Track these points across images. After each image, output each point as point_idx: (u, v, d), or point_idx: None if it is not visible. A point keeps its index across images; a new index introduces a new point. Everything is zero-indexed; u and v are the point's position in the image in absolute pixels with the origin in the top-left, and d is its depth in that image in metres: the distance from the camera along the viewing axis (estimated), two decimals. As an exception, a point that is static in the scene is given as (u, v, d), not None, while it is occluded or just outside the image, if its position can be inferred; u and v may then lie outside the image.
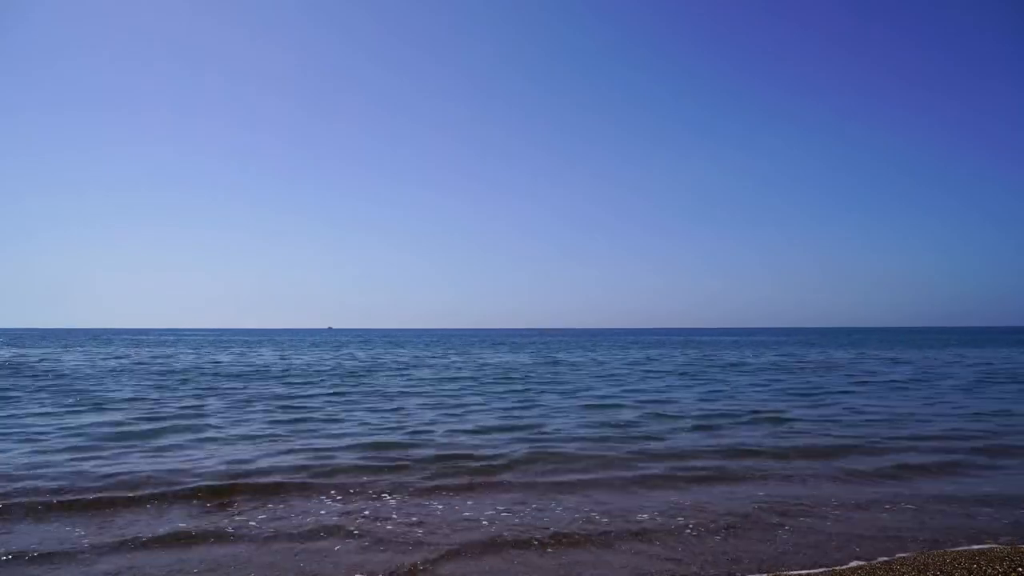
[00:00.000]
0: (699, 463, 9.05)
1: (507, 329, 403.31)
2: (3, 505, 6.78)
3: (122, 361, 33.90)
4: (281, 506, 6.93)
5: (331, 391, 18.75)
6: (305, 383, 21.79)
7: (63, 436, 10.94)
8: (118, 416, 13.42)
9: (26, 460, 8.95)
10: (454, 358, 39.34)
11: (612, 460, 9.22)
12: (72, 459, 9.08)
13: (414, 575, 5.09)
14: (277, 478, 7.96)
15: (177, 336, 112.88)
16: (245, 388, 19.77)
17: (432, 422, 12.75)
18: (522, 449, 9.91)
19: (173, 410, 14.41)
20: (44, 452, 9.56)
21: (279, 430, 11.67)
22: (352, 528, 6.18)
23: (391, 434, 11.30)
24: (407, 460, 9.08)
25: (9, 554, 5.41)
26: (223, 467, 8.57)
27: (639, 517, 6.54)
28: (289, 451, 9.71)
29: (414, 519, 6.49)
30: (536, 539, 5.88)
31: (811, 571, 5.22)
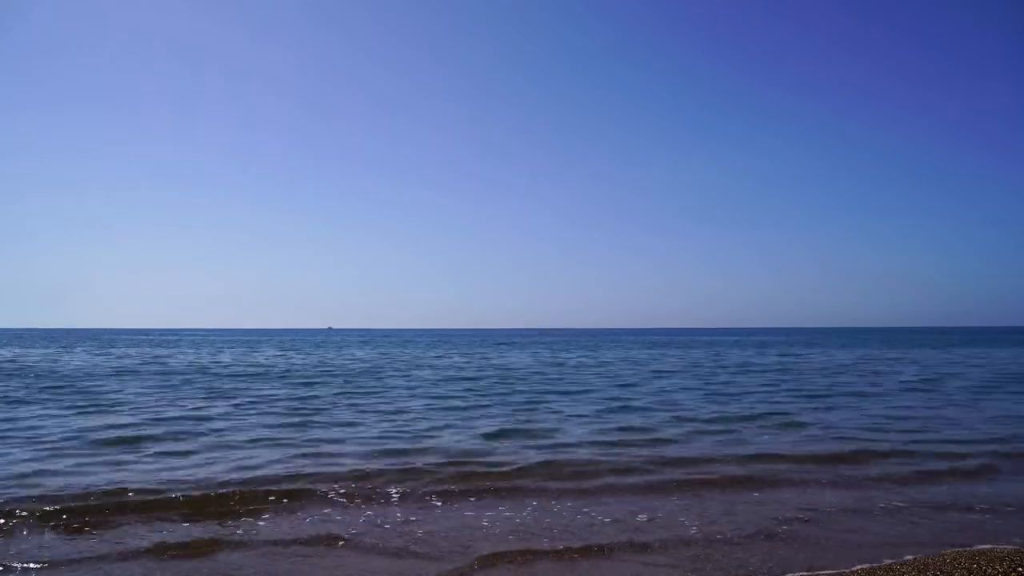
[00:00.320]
0: (715, 468, 8.85)
1: (507, 329, 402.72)
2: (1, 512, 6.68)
3: (124, 361, 33.92)
4: (290, 513, 6.84)
5: (335, 392, 18.62)
6: (308, 384, 21.77)
7: (66, 439, 10.85)
8: (122, 419, 13.35)
9: (27, 465, 8.81)
10: (457, 358, 39.34)
11: (628, 466, 8.99)
12: (75, 463, 8.96)
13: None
14: (286, 485, 7.82)
15: (178, 336, 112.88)
16: (248, 389, 19.73)
17: (440, 426, 12.54)
18: (533, 454, 9.72)
19: (178, 412, 14.34)
20: (46, 456, 9.43)
21: (285, 434, 11.50)
22: (366, 537, 6.05)
23: (399, 438, 11.06)
24: (417, 466, 8.87)
25: (7, 564, 5.32)
26: (231, 472, 8.44)
27: (657, 524, 6.45)
28: (297, 456, 9.53)
29: (430, 528, 6.35)
30: (559, 548, 5.74)
31: (812, 572, 5.25)
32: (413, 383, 22.16)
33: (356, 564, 5.42)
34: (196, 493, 7.36)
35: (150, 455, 9.64)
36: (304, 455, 9.59)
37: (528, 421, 13.25)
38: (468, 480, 8.19)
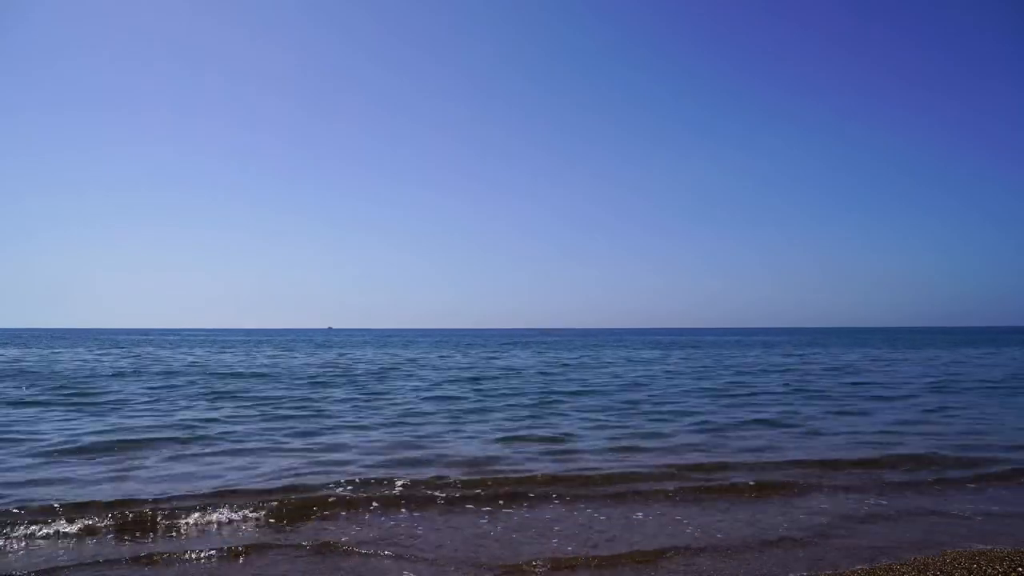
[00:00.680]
0: (739, 475, 8.61)
1: (508, 329, 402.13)
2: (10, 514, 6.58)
3: (129, 361, 33.95)
4: (309, 522, 6.72)
5: (343, 396, 18.24)
6: (313, 385, 21.73)
7: (71, 443, 10.65)
8: (128, 422, 13.30)
9: (32, 470, 8.70)
10: (460, 358, 39.35)
11: (648, 473, 8.73)
12: (82, 468, 8.78)
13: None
14: (304, 494, 7.52)
15: (180, 336, 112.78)
16: (252, 390, 19.66)
17: (452, 431, 12.27)
18: (549, 461, 9.50)
19: (185, 415, 14.22)
20: (51, 462, 9.24)
21: (293, 439, 11.20)
22: (392, 546, 5.91)
23: (411, 445, 10.70)
24: (435, 474, 8.59)
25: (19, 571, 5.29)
26: (245, 479, 8.22)
27: (676, 533, 6.33)
28: (308, 462, 9.30)
29: (454, 538, 6.17)
30: (587, 556, 5.68)
31: (812, 573, 5.29)
32: (419, 384, 22.00)
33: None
34: (213, 502, 7.09)
35: (161, 460, 9.42)
36: (319, 462, 9.33)
37: (542, 425, 12.86)
38: (490, 486, 7.93)
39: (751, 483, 8.20)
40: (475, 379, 24.31)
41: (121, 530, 6.38)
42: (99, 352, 45.31)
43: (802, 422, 13.37)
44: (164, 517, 6.69)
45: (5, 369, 27.85)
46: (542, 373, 27.21)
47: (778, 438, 11.58)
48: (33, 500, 7.16)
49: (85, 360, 35.24)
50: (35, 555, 5.74)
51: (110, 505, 6.94)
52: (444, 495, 7.62)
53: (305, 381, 23.13)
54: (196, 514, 6.79)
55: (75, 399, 16.94)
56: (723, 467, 9.12)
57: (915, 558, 5.47)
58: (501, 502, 7.43)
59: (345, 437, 11.49)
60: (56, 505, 6.87)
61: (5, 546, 5.95)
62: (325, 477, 8.36)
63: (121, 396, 17.71)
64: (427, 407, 15.72)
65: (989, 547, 5.74)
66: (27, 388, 19.61)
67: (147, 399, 17.12)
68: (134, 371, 27.34)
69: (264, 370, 28.53)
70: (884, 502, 7.47)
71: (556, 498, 7.61)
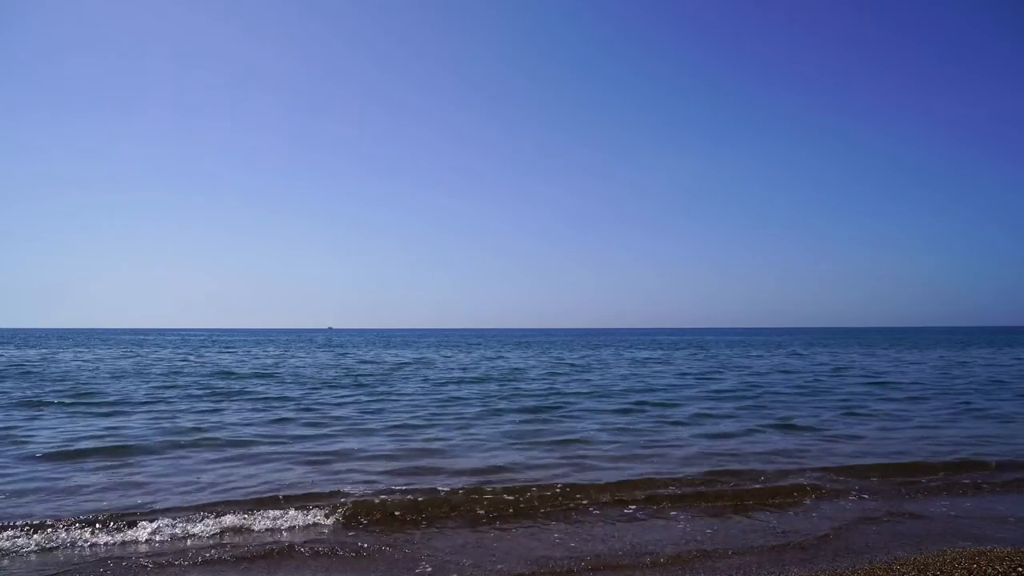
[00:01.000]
0: (758, 484, 8.32)
1: (508, 329, 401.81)
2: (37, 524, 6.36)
3: (130, 362, 33.98)
4: (328, 538, 6.29)
5: (348, 398, 17.83)
6: (316, 386, 21.66)
7: (67, 446, 10.46)
8: (128, 424, 13.18)
9: (35, 476, 8.50)
10: (463, 359, 39.33)
11: (671, 479, 8.45)
12: (77, 475, 8.53)
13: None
14: (323, 503, 7.12)
15: (180, 336, 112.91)
16: (256, 392, 19.53)
17: (466, 435, 11.89)
18: (569, 468, 9.12)
19: (186, 417, 14.02)
20: (46, 468, 9.02)
21: (310, 446, 10.74)
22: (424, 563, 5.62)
23: (430, 452, 10.22)
24: (454, 482, 8.16)
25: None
26: (262, 487, 7.96)
27: (701, 541, 6.16)
28: (330, 473, 8.84)
29: (481, 554, 5.84)
30: (624, 563, 5.59)
31: (811, 572, 5.27)
32: (427, 385, 21.66)
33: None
34: (224, 510, 6.87)
35: (170, 465, 9.23)
36: (337, 471, 8.91)
37: (563, 432, 12.31)
38: (515, 493, 7.55)
39: (778, 487, 8.01)
40: (480, 380, 24.19)
41: (117, 542, 6.06)
42: (99, 352, 45.37)
43: (824, 425, 12.97)
44: (161, 527, 6.34)
45: (4, 369, 27.86)
46: (550, 374, 26.61)
47: (803, 443, 11.06)
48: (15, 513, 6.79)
49: (85, 360, 35.29)
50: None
51: (108, 515, 6.63)
52: (479, 506, 7.22)
53: (308, 382, 23.05)
54: (199, 525, 6.43)
55: (75, 400, 16.83)
56: (738, 474, 8.71)
57: (915, 558, 5.45)
58: (543, 512, 7.11)
59: (351, 443, 11.03)
60: (47, 520, 6.49)
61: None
62: (334, 485, 7.99)
63: (121, 397, 17.63)
64: (440, 411, 15.20)
65: (989, 547, 5.71)
66: (26, 389, 19.47)
67: (148, 400, 17.04)
68: (135, 372, 27.37)
69: (266, 371, 28.51)
70: (920, 507, 7.27)
71: (584, 509, 7.28)
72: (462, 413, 14.85)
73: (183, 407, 15.67)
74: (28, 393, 18.31)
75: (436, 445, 10.86)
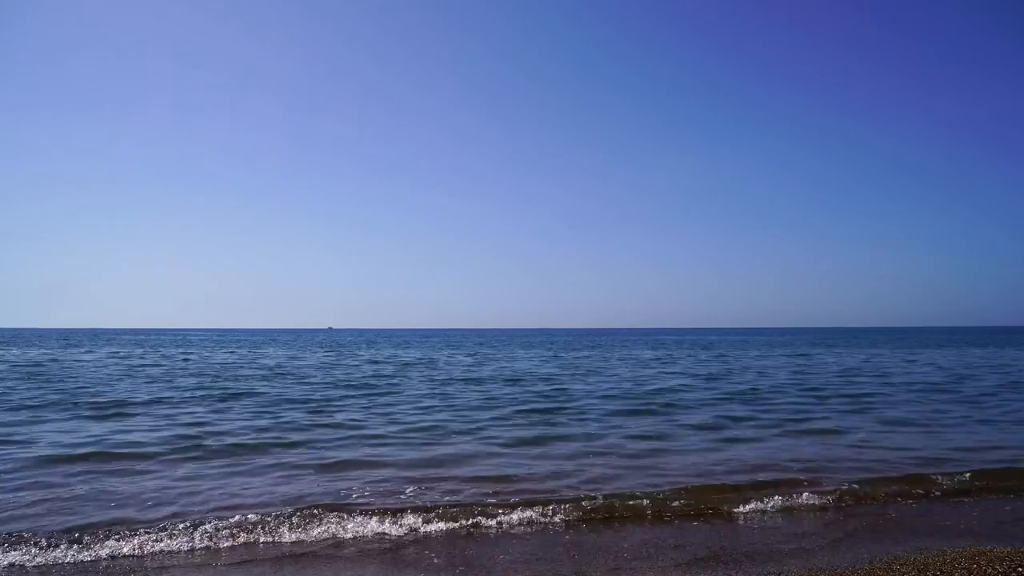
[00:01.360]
0: (780, 493, 7.88)
1: (508, 329, 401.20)
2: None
3: (131, 362, 34.01)
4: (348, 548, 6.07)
5: (356, 400, 17.51)
6: (321, 388, 21.57)
7: (67, 451, 10.18)
8: (130, 427, 13.06)
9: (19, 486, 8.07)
10: (466, 359, 39.29)
11: (713, 487, 8.11)
12: (76, 482, 8.17)
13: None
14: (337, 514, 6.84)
15: (180, 336, 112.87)
16: (260, 394, 19.24)
17: (484, 440, 11.41)
18: (613, 477, 8.76)
19: (189, 420, 13.84)
20: (43, 474, 8.74)
21: (308, 452, 10.27)
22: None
23: (438, 461, 9.64)
24: (483, 495, 7.70)
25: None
26: (254, 496, 7.68)
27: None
28: (330, 479, 8.53)
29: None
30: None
31: (812, 572, 5.27)
32: (434, 386, 21.22)
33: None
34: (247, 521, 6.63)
35: (164, 472, 8.91)
36: (358, 486, 8.34)
37: (589, 436, 11.82)
38: (550, 503, 7.17)
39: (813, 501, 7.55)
40: (485, 380, 24.11)
41: (113, 559, 5.75)
42: (99, 352, 45.44)
43: (849, 429, 12.45)
44: (158, 541, 6.06)
45: (4, 370, 27.86)
46: (558, 377, 25.84)
47: (830, 450, 10.52)
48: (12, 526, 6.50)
49: (86, 360, 35.34)
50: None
51: (107, 528, 6.37)
52: (512, 519, 6.84)
53: (312, 383, 22.93)
54: (206, 540, 6.12)
55: (76, 402, 16.69)
56: (778, 485, 8.17)
57: (915, 558, 5.45)
58: (583, 524, 6.84)
59: (374, 453, 10.37)
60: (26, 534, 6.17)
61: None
62: (371, 501, 7.53)
63: (123, 398, 17.49)
64: (451, 415, 14.51)
65: (989, 547, 5.71)
66: (25, 390, 19.32)
67: (151, 402, 16.92)
68: (136, 372, 27.39)
69: (269, 372, 28.44)
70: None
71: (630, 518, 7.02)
72: (483, 419, 14.00)
73: (185, 410, 15.60)
74: (29, 394, 18.25)
75: (466, 455, 10.16)
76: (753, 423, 13.41)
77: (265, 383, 22.39)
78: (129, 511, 7.03)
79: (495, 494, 7.77)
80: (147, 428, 12.55)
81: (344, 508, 7.08)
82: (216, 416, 14.15)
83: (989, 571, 5.06)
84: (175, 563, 5.67)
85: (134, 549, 5.90)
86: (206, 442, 11.00)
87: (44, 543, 5.93)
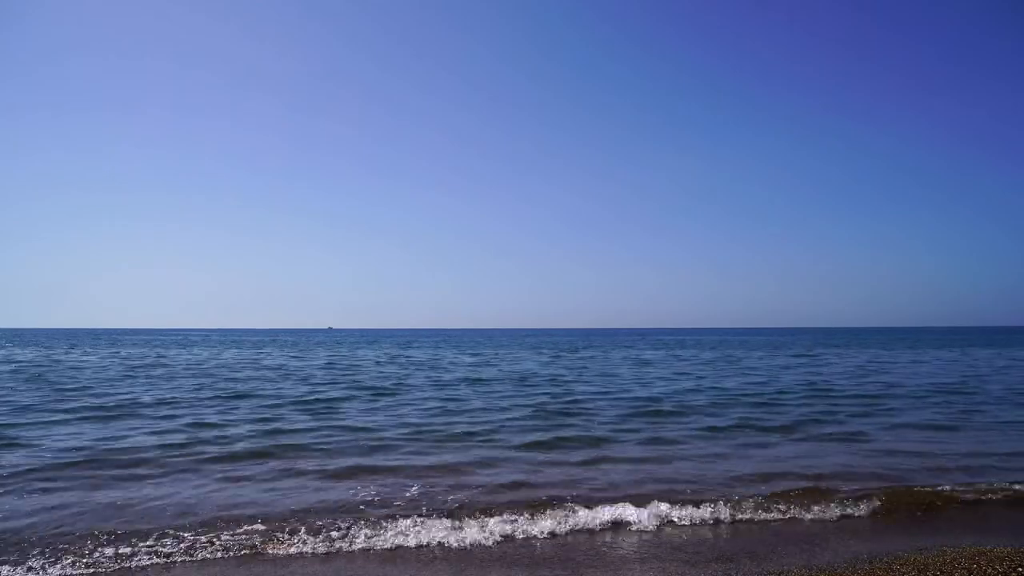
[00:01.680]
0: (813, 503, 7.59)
1: (508, 329, 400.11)
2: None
3: (131, 363, 34.00)
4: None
5: (362, 400, 17.27)
6: (325, 389, 21.49)
7: (69, 456, 10.05)
8: (134, 430, 13.04)
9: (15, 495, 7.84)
10: (469, 359, 39.25)
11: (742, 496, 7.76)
12: (77, 491, 7.86)
13: None
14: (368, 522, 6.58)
15: (182, 335, 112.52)
16: (264, 396, 19.13)
17: (497, 445, 11.07)
18: (619, 477, 8.67)
19: (193, 422, 13.77)
20: (41, 483, 8.66)
21: (348, 460, 9.83)
22: None
23: (454, 469, 9.21)
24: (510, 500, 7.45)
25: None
26: (260, 505, 7.31)
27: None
28: (364, 490, 8.01)
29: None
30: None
31: (811, 571, 5.33)
32: (438, 389, 20.88)
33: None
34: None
35: (167, 480, 8.55)
36: (354, 487, 8.18)
37: (599, 442, 11.46)
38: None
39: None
40: (490, 380, 24.08)
41: (115, 567, 5.57)
42: (100, 353, 45.47)
43: (872, 435, 12.10)
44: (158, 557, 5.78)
45: (3, 371, 27.87)
46: (565, 379, 25.16)
47: (855, 458, 10.02)
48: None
49: (87, 360, 35.38)
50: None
51: (107, 538, 6.16)
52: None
53: (316, 385, 22.82)
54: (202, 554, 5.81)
55: (76, 403, 16.61)
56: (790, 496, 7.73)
57: (915, 558, 5.49)
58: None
59: (388, 458, 9.97)
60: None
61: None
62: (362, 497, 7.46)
63: (127, 400, 17.41)
64: (464, 420, 13.98)
65: (989, 547, 5.76)
66: (26, 391, 19.27)
67: (153, 403, 16.87)
68: (138, 373, 27.39)
69: (273, 372, 28.38)
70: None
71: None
72: (500, 422, 13.60)
73: (188, 411, 15.57)
74: (26, 397, 18.23)
75: (479, 459, 9.89)
76: (777, 428, 12.91)
77: (269, 384, 22.36)
78: (131, 517, 6.85)
79: (516, 499, 7.58)
80: (149, 430, 12.43)
81: (362, 515, 7.00)
82: (220, 418, 14.05)
83: (989, 571, 5.11)
84: (176, 572, 5.57)
85: (136, 556, 5.75)
86: (210, 445, 10.87)
87: (45, 552, 5.79)
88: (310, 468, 9.26)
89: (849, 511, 7.17)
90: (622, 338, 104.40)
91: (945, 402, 17.07)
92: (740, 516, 7.00)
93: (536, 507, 7.14)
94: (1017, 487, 8.02)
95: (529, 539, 6.37)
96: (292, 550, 5.96)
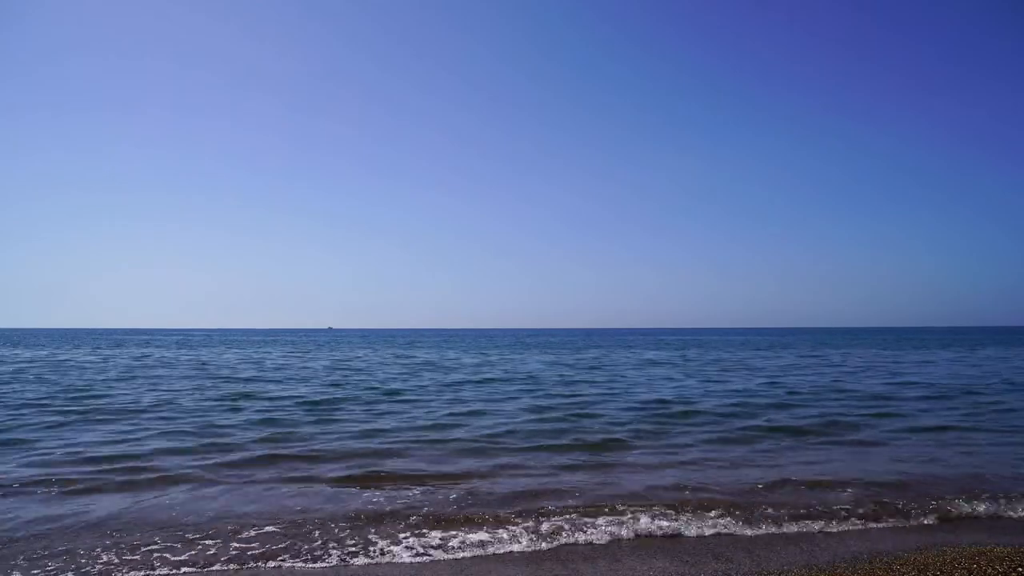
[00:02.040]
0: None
1: (509, 328, 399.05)
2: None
3: (133, 363, 34.01)
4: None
5: (367, 400, 17.13)
6: (330, 390, 21.39)
7: (69, 458, 10.05)
8: (138, 432, 13.02)
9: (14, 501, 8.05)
10: (470, 360, 39.20)
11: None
12: (76, 499, 7.59)
13: None
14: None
15: (183, 335, 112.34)
16: (267, 397, 19.06)
17: (504, 449, 10.87)
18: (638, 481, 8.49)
19: (198, 424, 13.78)
20: (40, 488, 8.79)
21: (358, 464, 9.55)
22: None
23: (471, 475, 8.91)
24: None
25: None
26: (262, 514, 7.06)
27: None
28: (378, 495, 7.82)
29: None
30: None
31: (811, 570, 5.34)
32: (444, 390, 20.64)
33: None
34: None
35: (173, 490, 8.15)
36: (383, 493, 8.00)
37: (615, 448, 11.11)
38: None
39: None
40: (496, 380, 23.97)
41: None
42: (101, 353, 45.51)
43: (889, 440, 11.73)
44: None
45: (3, 371, 27.83)
46: (572, 379, 24.84)
47: (870, 464, 9.71)
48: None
49: (88, 361, 35.41)
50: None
51: (110, 543, 5.99)
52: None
53: (319, 386, 22.70)
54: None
55: (76, 404, 16.50)
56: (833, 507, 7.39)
57: (915, 558, 5.49)
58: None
59: (409, 462, 9.75)
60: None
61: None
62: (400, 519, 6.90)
63: (128, 401, 17.30)
64: (478, 425, 13.45)
65: (989, 547, 5.76)
66: (25, 392, 19.14)
67: (155, 405, 16.77)
68: (139, 373, 27.36)
69: (276, 375, 28.23)
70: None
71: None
72: (515, 427, 13.18)
73: (192, 413, 15.53)
74: (30, 395, 18.20)
75: (499, 465, 9.60)
76: (791, 429, 12.68)
77: (273, 384, 22.30)
78: (134, 521, 6.78)
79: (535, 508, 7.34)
80: (151, 432, 12.33)
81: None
82: (224, 420, 13.97)
83: (989, 571, 5.11)
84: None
85: (145, 564, 5.59)
86: (215, 449, 10.75)
87: (47, 558, 5.66)
88: (320, 473, 9.06)
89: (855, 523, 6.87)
90: (623, 338, 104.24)
91: (965, 404, 16.73)
92: (747, 521, 6.86)
93: (542, 514, 7.05)
94: None
95: (538, 550, 6.17)
96: (317, 564, 5.63)
